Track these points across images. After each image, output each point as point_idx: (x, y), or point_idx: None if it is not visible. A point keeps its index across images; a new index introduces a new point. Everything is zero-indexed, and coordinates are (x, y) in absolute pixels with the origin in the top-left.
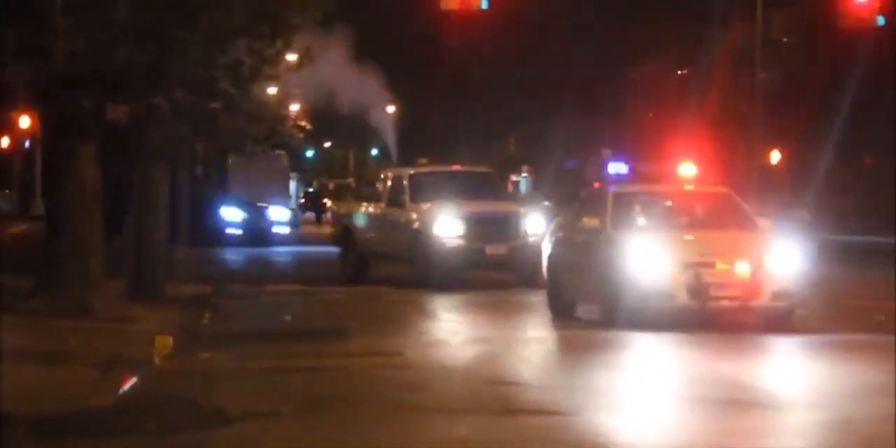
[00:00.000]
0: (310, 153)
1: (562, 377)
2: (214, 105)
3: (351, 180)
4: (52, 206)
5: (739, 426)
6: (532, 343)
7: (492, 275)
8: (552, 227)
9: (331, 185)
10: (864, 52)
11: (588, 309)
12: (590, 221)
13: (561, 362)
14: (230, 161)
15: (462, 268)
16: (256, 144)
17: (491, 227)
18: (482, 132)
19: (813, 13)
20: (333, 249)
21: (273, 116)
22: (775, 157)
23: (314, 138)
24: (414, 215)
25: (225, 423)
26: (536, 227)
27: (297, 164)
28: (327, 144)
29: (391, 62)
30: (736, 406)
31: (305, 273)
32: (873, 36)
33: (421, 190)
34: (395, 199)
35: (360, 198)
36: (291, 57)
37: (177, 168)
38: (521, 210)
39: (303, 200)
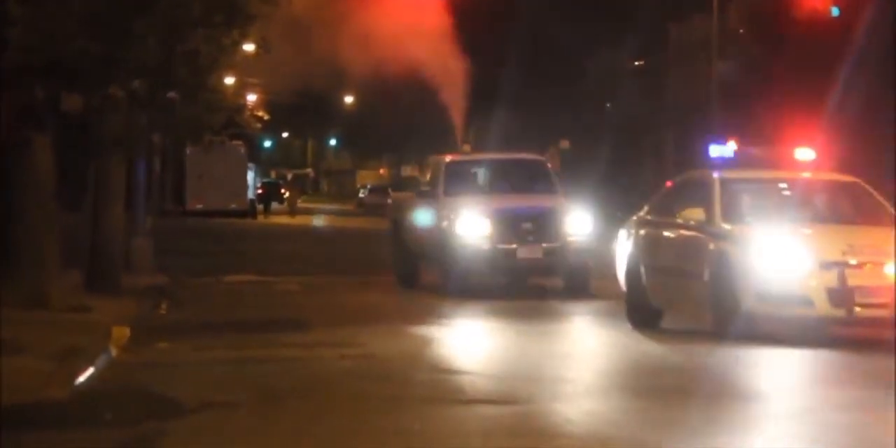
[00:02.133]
0: (268, 143)
1: (526, 369)
2: (171, 95)
3: (309, 170)
4: (6, 197)
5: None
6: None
7: (544, 282)
8: (630, 222)
9: (289, 176)
10: (819, 42)
11: (679, 318)
12: (691, 214)
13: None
14: (187, 152)
15: (489, 273)
16: (214, 134)
17: (524, 226)
18: (436, 124)
19: (768, 4)
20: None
21: (230, 106)
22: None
23: (272, 128)
24: (444, 211)
25: (182, 414)
26: (580, 225)
27: (255, 154)
28: (285, 134)
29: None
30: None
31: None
32: (828, 26)
33: (456, 181)
34: (430, 192)
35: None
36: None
37: (134, 158)
38: (562, 206)
39: (260, 191)
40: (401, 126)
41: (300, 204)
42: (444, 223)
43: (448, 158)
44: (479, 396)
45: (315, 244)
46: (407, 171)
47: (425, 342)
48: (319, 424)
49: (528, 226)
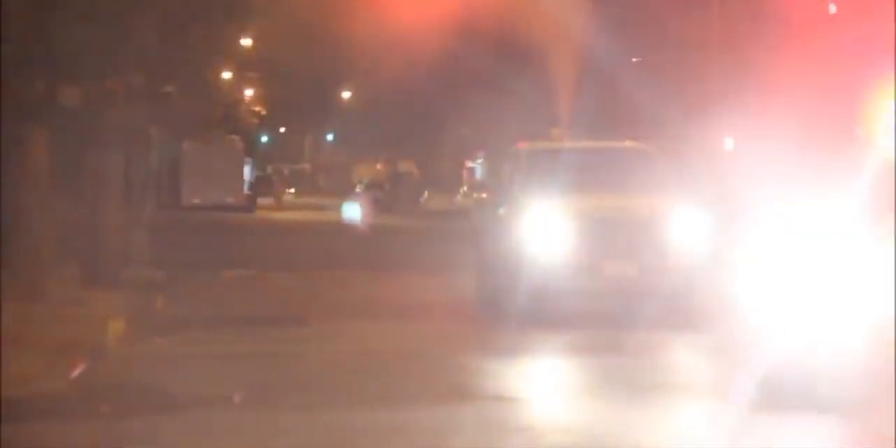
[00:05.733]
0: (265, 138)
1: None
2: (169, 89)
3: (307, 166)
4: (3, 190)
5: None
6: None
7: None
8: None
9: (286, 171)
10: (817, 39)
11: None
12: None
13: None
14: (184, 146)
15: (568, 293)
16: (211, 128)
17: (616, 235)
18: (435, 115)
19: (767, 1)
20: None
21: (227, 100)
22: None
23: (271, 123)
24: (516, 213)
25: (177, 408)
26: (691, 236)
27: (253, 148)
28: (283, 129)
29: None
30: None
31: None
32: (826, 24)
33: (541, 175)
34: (503, 190)
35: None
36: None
37: (131, 152)
38: (670, 210)
39: None
40: (404, 121)
41: (290, 198)
42: (516, 230)
43: (526, 148)
44: (479, 392)
45: (312, 239)
46: (403, 166)
47: (424, 338)
48: (315, 419)
49: (621, 234)
